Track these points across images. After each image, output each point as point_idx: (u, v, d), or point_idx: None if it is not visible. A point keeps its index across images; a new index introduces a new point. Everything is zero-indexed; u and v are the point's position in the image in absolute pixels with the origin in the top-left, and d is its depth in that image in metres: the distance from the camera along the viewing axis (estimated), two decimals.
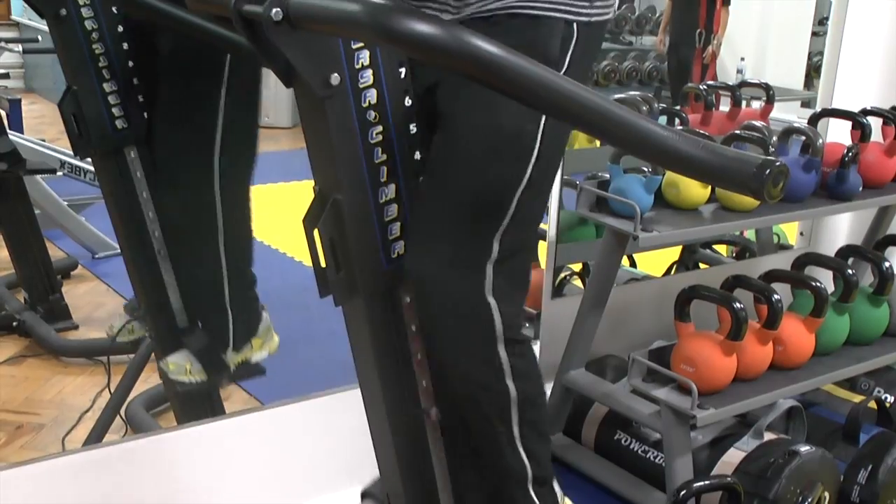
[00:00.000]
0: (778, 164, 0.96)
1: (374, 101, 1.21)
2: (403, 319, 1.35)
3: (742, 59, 6.58)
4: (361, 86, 1.19)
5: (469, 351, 1.37)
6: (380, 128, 1.22)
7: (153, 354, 2.26)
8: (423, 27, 0.96)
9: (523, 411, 1.43)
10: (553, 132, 1.34)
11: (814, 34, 7.00)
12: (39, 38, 4.69)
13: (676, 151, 0.98)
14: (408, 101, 1.24)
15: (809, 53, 7.05)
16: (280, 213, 4.08)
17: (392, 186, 1.25)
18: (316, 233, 1.25)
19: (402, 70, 1.23)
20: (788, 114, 6.22)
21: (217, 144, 2.04)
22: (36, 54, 5.49)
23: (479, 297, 1.34)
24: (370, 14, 0.99)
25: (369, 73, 1.19)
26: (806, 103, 6.33)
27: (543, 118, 1.32)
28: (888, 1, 2.88)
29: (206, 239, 2.12)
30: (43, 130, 5.54)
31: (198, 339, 2.16)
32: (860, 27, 2.89)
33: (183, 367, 2.18)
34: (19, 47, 4.84)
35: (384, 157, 1.23)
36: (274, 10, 1.07)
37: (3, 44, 4.61)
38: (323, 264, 1.26)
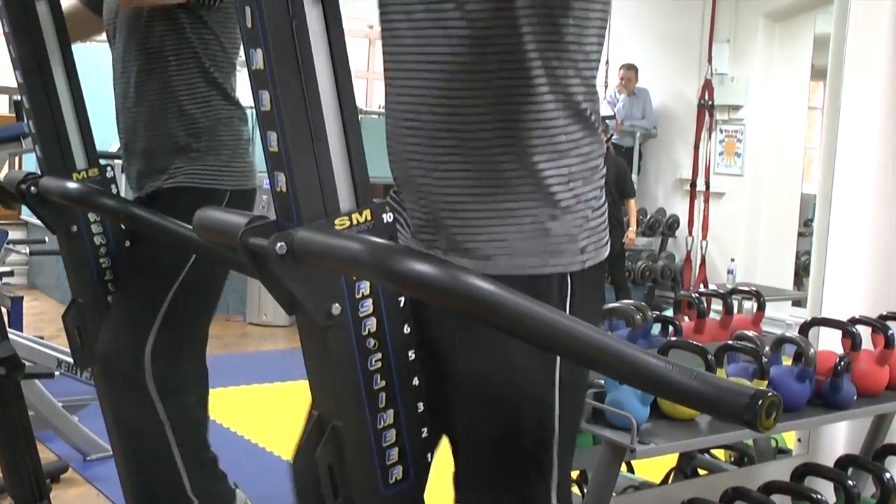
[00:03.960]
0: (770, 394, 0.97)
1: (373, 329, 1.23)
2: None
3: (732, 259, 6.75)
4: (361, 315, 1.22)
5: None
6: (379, 355, 1.24)
7: None
8: (424, 268, 1.00)
9: None
10: (570, 380, 1.35)
11: (800, 234, 7.23)
12: (47, 239, 4.82)
13: (670, 383, 1.00)
14: (406, 329, 1.27)
15: (797, 253, 7.25)
16: (275, 413, 4.06)
17: (390, 412, 1.26)
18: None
19: (402, 299, 1.26)
20: (780, 312, 6.28)
21: (151, 337, 2.08)
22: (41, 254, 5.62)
23: None
24: (372, 254, 1.03)
25: (369, 301, 1.22)
26: (796, 302, 6.44)
27: (558, 375, 1.33)
28: (870, 206, 2.96)
29: (151, 434, 2.11)
30: (42, 328, 5.58)
31: None
32: (845, 230, 2.95)
33: None
34: (27, 248, 4.96)
35: (383, 383, 1.25)
36: (279, 245, 1.12)
37: (12, 245, 4.72)
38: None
